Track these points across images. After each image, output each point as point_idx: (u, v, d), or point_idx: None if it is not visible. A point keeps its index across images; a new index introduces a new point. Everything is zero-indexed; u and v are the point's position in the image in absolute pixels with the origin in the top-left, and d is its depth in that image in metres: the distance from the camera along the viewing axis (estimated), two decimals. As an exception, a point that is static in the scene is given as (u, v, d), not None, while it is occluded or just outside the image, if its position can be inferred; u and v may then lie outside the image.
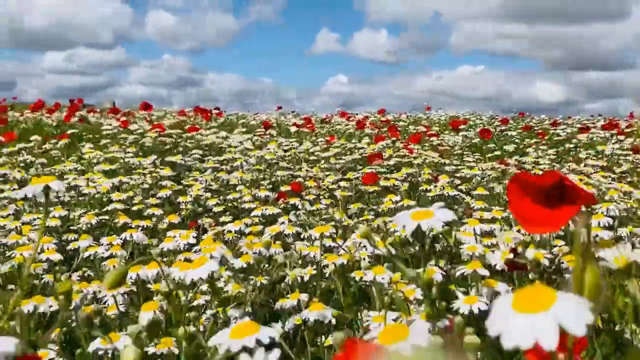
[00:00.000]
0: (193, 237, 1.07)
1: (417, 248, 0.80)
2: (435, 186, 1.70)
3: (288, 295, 0.82)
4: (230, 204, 1.69)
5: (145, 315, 0.69)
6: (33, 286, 1.01)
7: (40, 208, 1.74)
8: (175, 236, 1.08)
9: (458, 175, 2.11)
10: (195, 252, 1.00)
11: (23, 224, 1.39)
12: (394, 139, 2.83)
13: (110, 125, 2.86)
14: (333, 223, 1.22)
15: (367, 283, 0.86)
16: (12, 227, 1.30)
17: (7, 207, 1.61)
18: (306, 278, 0.90)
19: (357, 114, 5.72)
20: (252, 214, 1.35)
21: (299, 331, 0.84)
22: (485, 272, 0.76)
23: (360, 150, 2.54)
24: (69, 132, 2.90)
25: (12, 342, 0.43)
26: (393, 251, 0.58)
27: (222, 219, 1.56)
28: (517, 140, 3.73)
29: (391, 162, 2.20)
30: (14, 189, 1.83)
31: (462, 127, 3.55)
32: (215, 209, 1.60)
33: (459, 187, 1.86)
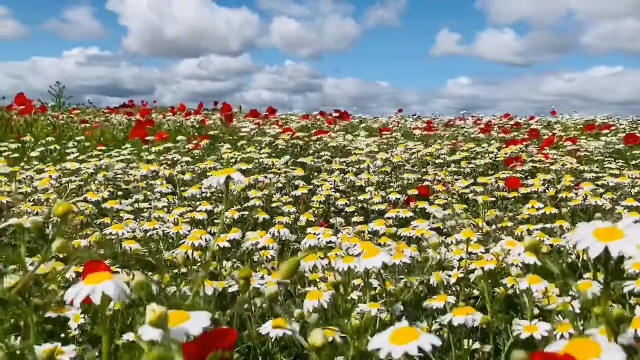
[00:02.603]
0: (332, 234, 1.11)
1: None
2: (577, 194, 1.60)
3: (434, 297, 0.82)
4: (360, 205, 1.72)
5: (310, 303, 0.73)
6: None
7: (186, 202, 1.91)
8: (316, 233, 1.12)
9: (599, 183, 1.97)
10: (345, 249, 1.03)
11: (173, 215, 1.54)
12: (526, 143, 2.70)
13: (247, 127, 3.03)
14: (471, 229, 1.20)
15: (516, 291, 0.83)
16: (169, 219, 1.42)
17: (161, 200, 1.78)
18: (452, 281, 0.89)
19: (481, 117, 5.54)
20: (386, 216, 1.36)
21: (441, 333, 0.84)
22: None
23: (491, 154, 2.46)
24: (209, 133, 3.13)
25: (207, 316, 0.46)
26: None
27: (353, 220, 1.60)
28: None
29: (525, 168, 2.10)
30: (163, 184, 2.02)
31: (604, 131, 3.28)
32: (348, 209, 1.64)
33: (603, 196, 1.73)
